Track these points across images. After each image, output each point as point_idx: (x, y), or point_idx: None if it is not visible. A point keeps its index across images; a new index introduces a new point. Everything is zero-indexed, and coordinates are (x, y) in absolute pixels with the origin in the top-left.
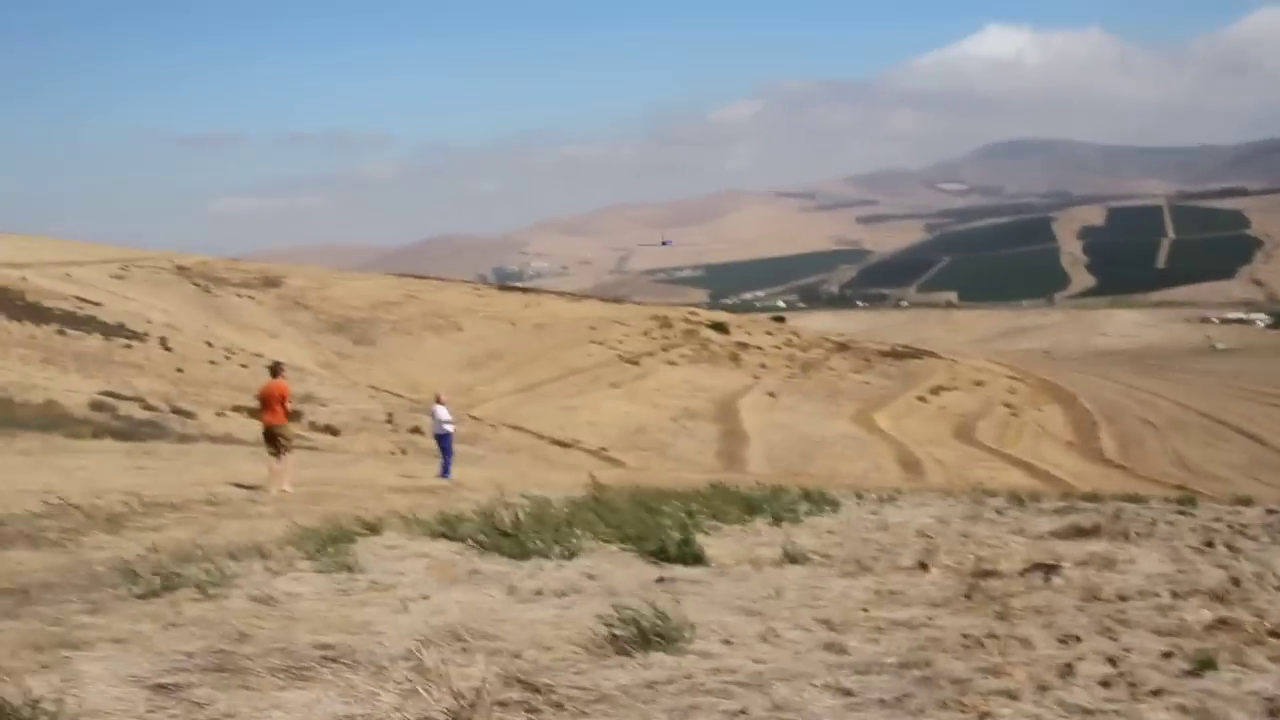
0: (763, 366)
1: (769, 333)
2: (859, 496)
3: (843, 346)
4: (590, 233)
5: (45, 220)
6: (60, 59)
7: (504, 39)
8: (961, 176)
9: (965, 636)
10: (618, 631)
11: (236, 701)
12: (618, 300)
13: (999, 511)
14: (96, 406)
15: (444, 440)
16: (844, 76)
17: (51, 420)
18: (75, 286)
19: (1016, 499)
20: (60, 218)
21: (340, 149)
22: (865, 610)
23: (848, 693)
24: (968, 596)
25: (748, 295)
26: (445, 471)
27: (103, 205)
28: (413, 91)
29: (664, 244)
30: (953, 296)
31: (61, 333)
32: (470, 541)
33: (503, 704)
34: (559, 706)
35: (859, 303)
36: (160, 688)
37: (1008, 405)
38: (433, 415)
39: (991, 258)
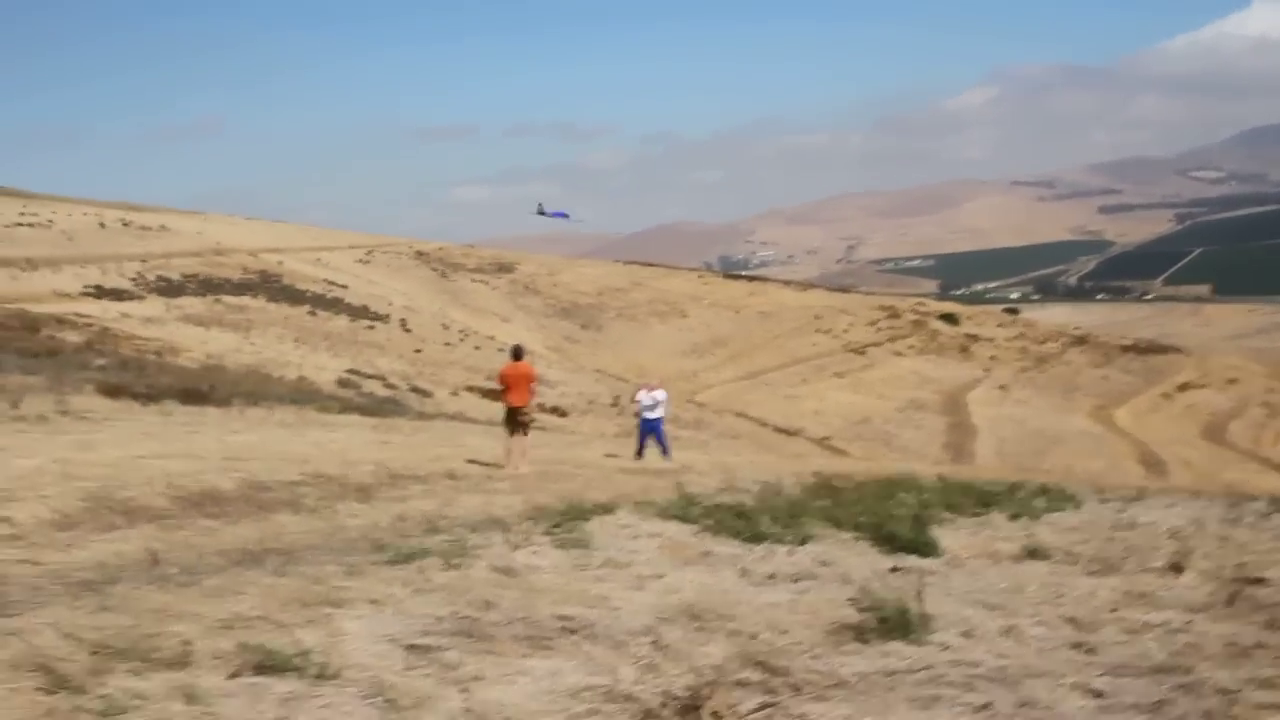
0: (994, 359)
1: (1001, 325)
2: (1101, 494)
3: (1081, 340)
4: (817, 221)
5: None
6: (317, 55)
7: (728, 28)
8: (1217, 163)
9: (1230, 644)
10: (857, 618)
11: (484, 665)
12: (844, 289)
13: (1262, 515)
14: (343, 383)
15: (655, 424)
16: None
17: (303, 395)
18: (325, 271)
19: None
20: (311, 207)
21: (567, 139)
22: (1114, 611)
23: (1099, 694)
24: (1229, 603)
25: (979, 286)
26: (664, 452)
27: (349, 195)
28: (638, 82)
29: (545, 213)
30: (1204, 290)
31: (312, 313)
32: (702, 524)
33: (741, 684)
34: (796, 690)
35: (1099, 295)
36: (414, 648)
37: (1266, 405)
38: (640, 398)
39: (1251, 249)
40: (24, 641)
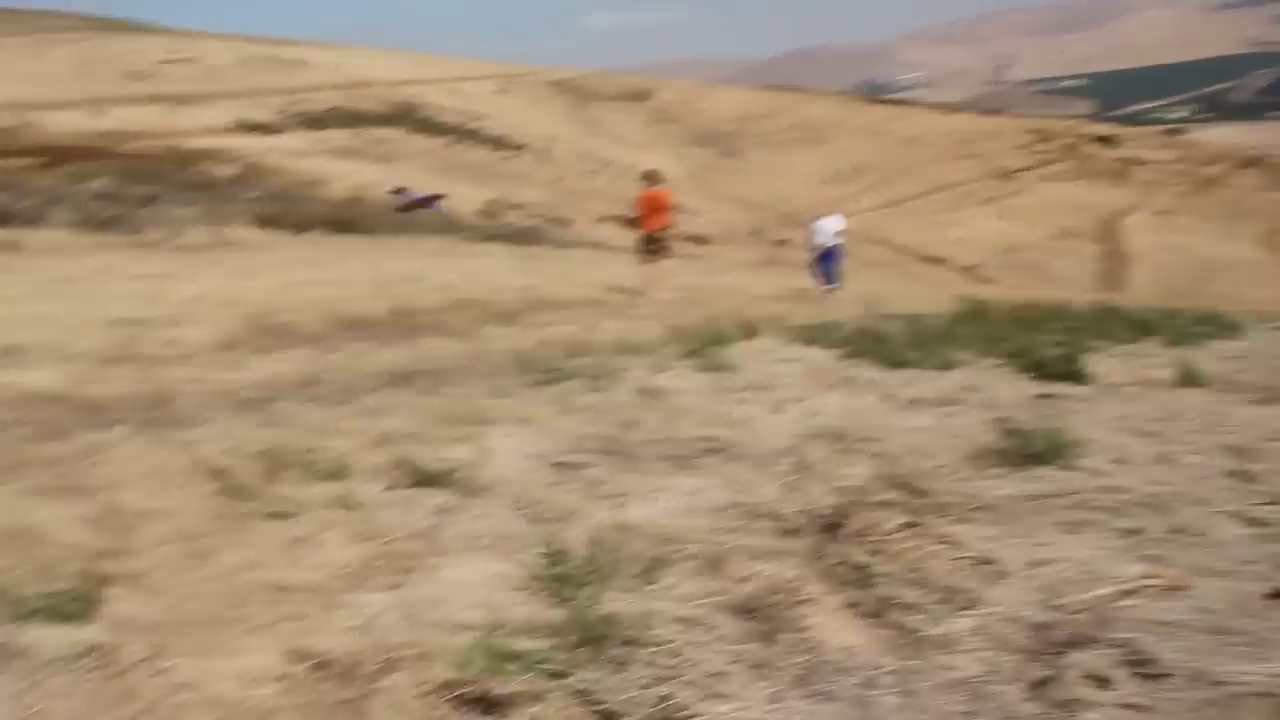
0: (1153, 183)
1: (1163, 147)
2: (1268, 322)
3: (1252, 161)
4: (965, 41)
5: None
6: None
7: None
8: None
9: None
10: (1002, 443)
11: (628, 482)
12: (993, 113)
13: None
14: (485, 213)
15: (829, 253)
16: None
17: (447, 224)
18: (463, 101)
19: None
20: (445, 38)
21: None
22: (1278, 440)
23: (1260, 523)
24: None
25: (1139, 107)
26: (835, 282)
27: (481, 26)
28: None
29: (395, 192)
30: None
31: (453, 144)
32: (844, 349)
33: (884, 504)
34: (941, 511)
35: (1274, 113)
36: (560, 465)
37: None
38: (815, 228)
39: None
40: (197, 451)
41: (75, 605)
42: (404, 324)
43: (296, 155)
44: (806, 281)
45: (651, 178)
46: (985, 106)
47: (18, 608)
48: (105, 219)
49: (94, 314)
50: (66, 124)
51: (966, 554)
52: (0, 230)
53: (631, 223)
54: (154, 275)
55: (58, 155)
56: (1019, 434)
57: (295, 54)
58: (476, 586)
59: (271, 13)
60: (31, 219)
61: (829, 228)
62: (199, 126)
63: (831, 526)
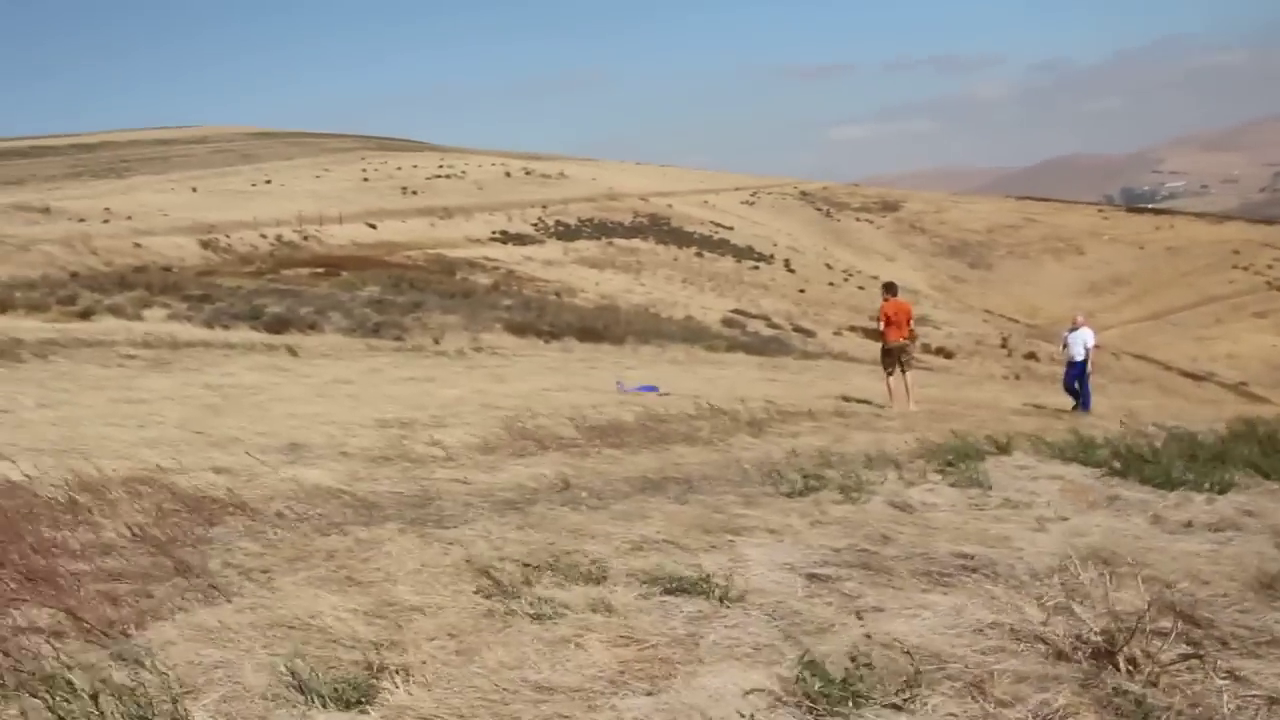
0: None
1: None
2: None
3: None
4: (1237, 147)
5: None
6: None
7: None
8: None
9: None
10: None
11: (884, 597)
12: (1268, 221)
13: None
14: (728, 322)
15: (1078, 368)
16: None
17: (692, 333)
18: (711, 212)
19: None
20: (694, 150)
21: (947, 72)
22: None
23: None
24: None
25: None
26: (1085, 403)
27: (729, 138)
28: (1023, 7)
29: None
30: None
31: (699, 254)
32: (1107, 467)
33: (1160, 632)
34: (1223, 644)
35: None
36: (813, 576)
37: None
38: (1068, 340)
39: None
40: (462, 550)
41: (355, 693)
42: (653, 431)
43: (549, 265)
44: (1059, 396)
45: (890, 289)
46: (1260, 214)
47: (306, 693)
48: (375, 324)
49: (365, 414)
50: (345, 236)
51: (1255, 691)
52: (283, 335)
53: (874, 334)
54: (418, 378)
55: (334, 265)
56: None
57: (555, 167)
58: (735, 696)
59: (529, 129)
60: (310, 324)
61: (1078, 341)
62: (461, 236)
63: (1103, 653)
